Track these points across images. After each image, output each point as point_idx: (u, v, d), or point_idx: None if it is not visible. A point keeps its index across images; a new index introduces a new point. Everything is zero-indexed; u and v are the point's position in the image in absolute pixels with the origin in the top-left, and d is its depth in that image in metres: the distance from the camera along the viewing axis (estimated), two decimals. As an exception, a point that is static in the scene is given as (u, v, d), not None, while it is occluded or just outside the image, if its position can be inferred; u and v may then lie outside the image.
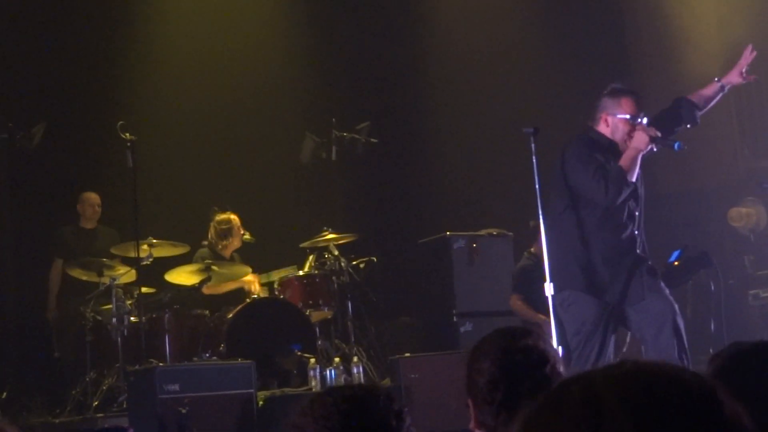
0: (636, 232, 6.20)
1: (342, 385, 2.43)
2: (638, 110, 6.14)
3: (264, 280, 9.23)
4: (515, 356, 2.64)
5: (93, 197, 9.44)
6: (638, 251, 6.20)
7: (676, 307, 6.21)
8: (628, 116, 6.10)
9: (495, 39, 11.05)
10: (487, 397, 2.62)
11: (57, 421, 7.81)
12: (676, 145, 6.12)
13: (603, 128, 6.16)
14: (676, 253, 7.70)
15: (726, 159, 10.72)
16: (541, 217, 5.89)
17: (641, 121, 6.09)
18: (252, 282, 9.10)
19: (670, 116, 6.45)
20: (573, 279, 5.96)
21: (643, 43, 11.13)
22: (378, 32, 11.24)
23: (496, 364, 2.63)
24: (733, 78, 6.39)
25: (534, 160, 5.96)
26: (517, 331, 2.78)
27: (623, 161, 6.04)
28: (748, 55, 6.38)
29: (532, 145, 5.99)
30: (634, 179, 6.06)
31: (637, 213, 6.23)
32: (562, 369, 2.67)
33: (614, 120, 6.14)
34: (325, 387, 7.71)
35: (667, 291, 6.23)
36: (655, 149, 6.09)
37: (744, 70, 6.37)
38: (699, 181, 9.06)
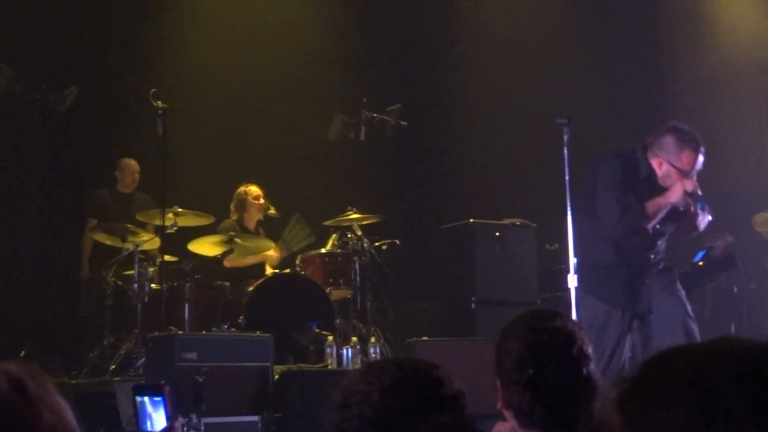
0: (658, 243, 6.17)
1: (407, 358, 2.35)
2: (694, 167, 5.98)
3: (284, 252, 9.25)
4: (542, 336, 2.64)
5: (133, 164, 9.52)
6: (653, 257, 6.17)
7: (689, 308, 6.19)
8: (683, 171, 5.97)
9: (530, 28, 11.04)
10: (513, 377, 2.62)
11: (73, 382, 7.84)
12: (699, 206, 6.05)
13: (654, 163, 6.03)
14: (701, 253, 7.70)
15: (753, 164, 10.68)
16: (569, 209, 5.88)
17: (691, 176, 5.97)
18: (271, 257, 9.14)
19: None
20: (585, 282, 5.96)
21: (675, 34, 11.07)
22: (415, 17, 11.24)
23: (523, 344, 2.64)
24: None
25: (565, 152, 5.94)
26: (545, 313, 2.78)
27: (651, 206, 5.98)
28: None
29: (565, 137, 5.97)
30: (650, 226, 6.01)
31: (660, 227, 6.17)
32: (590, 350, 2.67)
33: (668, 167, 5.99)
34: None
35: (681, 293, 6.21)
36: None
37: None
38: (725, 185, 9.01)
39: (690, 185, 5.95)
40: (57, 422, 1.47)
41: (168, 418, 2.78)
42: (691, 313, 6.19)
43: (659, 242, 6.19)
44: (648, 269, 6.15)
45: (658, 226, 6.11)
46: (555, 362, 2.61)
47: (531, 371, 2.60)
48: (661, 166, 6.03)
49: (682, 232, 6.33)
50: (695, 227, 6.19)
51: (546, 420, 2.57)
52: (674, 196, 5.97)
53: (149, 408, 2.81)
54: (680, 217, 6.17)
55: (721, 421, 1.12)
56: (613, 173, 5.99)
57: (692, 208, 6.06)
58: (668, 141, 6.00)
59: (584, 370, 2.61)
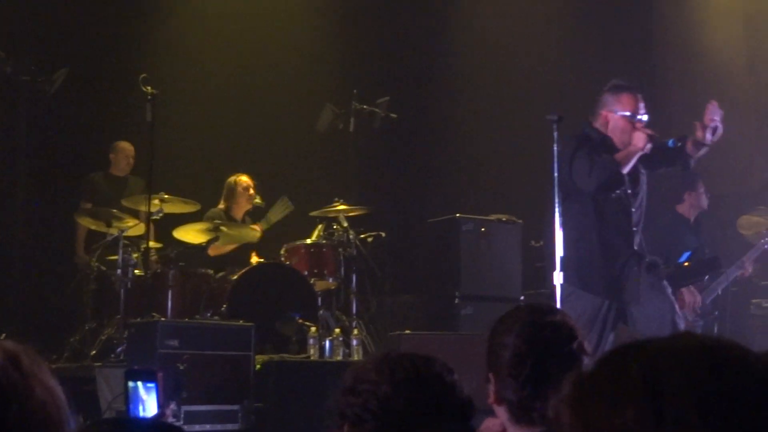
0: (634, 229, 6.22)
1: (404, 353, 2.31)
2: (638, 108, 6.14)
3: (265, 226, 9.21)
4: (544, 331, 2.61)
5: (128, 147, 9.48)
6: (635, 248, 6.22)
7: (677, 306, 6.23)
8: (628, 113, 6.10)
9: (522, 23, 11.03)
10: (512, 372, 2.58)
11: (53, 366, 7.79)
12: (670, 142, 6.18)
13: (601, 125, 6.19)
14: (686, 254, 7.72)
15: (740, 167, 10.70)
16: (556, 206, 5.87)
17: (641, 120, 6.10)
18: (254, 235, 9.09)
19: (667, 151, 6.33)
20: (571, 274, 5.97)
21: (666, 33, 11.08)
22: (407, 10, 11.22)
23: (522, 338, 2.60)
24: (698, 134, 6.08)
25: (555, 148, 5.93)
26: (544, 307, 2.76)
27: (619, 156, 6.09)
28: (710, 112, 6.03)
29: (555, 133, 5.96)
30: (624, 170, 6.10)
31: (634, 210, 6.24)
32: (587, 346, 2.66)
33: (613, 117, 6.16)
34: (323, 356, 7.74)
35: (668, 290, 6.25)
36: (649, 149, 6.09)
37: (707, 125, 6.03)
38: (711, 187, 9.03)
39: (644, 134, 6.04)
40: (48, 399, 1.49)
41: (159, 405, 2.77)
42: (679, 312, 6.22)
43: (634, 229, 6.21)
44: (632, 259, 6.17)
45: (629, 190, 6.21)
46: (556, 357, 2.58)
47: (531, 366, 2.56)
48: (607, 122, 6.19)
49: (667, 164, 6.39)
50: (684, 157, 6.24)
51: (543, 415, 2.53)
52: (637, 141, 6.06)
53: (142, 393, 2.80)
54: (659, 158, 6.27)
55: (671, 425, 1.09)
56: (571, 146, 6.07)
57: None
58: (605, 96, 6.21)
59: (583, 366, 2.58)
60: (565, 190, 5.95)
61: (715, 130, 6.02)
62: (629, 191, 6.25)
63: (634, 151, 6.09)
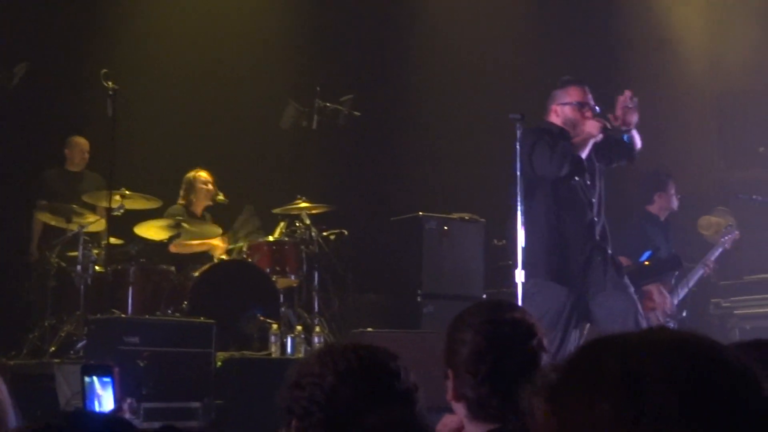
0: (595, 219, 6.31)
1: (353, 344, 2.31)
2: (586, 98, 6.33)
3: (231, 245, 9.20)
4: (503, 328, 2.59)
5: (83, 142, 9.42)
6: (597, 238, 6.30)
7: (639, 306, 6.29)
8: (575, 102, 6.25)
9: (486, 22, 11.04)
10: (470, 368, 2.56)
11: (12, 363, 7.76)
12: (625, 137, 6.36)
13: (553, 118, 6.36)
14: (647, 254, 7.77)
15: (701, 168, 10.79)
16: (519, 203, 5.90)
17: (593, 109, 6.27)
18: (218, 247, 9.07)
19: (621, 144, 6.52)
20: (537, 266, 6.01)
21: (630, 32, 11.14)
22: (370, 7, 11.21)
23: (481, 334, 2.58)
24: (615, 123, 6.34)
25: (517, 147, 5.97)
26: (503, 304, 2.75)
27: (575, 142, 6.23)
28: (622, 102, 6.32)
29: (518, 132, 6.00)
30: (583, 156, 6.24)
31: (594, 200, 6.33)
32: (546, 343, 2.64)
33: (563, 109, 6.36)
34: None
35: (631, 289, 6.31)
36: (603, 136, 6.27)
37: (618, 114, 6.31)
38: (672, 188, 9.11)
39: (597, 122, 6.22)
40: None
41: (116, 400, 2.74)
42: (641, 311, 6.28)
43: (595, 219, 6.32)
44: (595, 249, 6.24)
45: (588, 181, 6.35)
46: (515, 354, 2.56)
47: (490, 363, 2.55)
48: (558, 114, 6.37)
49: (619, 155, 6.57)
50: (632, 151, 6.49)
51: (501, 412, 2.52)
52: (590, 128, 6.22)
53: (98, 388, 2.77)
54: (609, 149, 6.47)
55: (651, 419, 1.08)
56: (531, 138, 6.17)
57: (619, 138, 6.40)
58: (554, 92, 6.44)
59: (541, 363, 2.58)
60: (527, 185, 6.00)
61: (627, 111, 6.28)
62: (588, 182, 6.34)
63: (587, 138, 6.24)
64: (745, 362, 1.14)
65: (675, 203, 8.66)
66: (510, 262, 6.30)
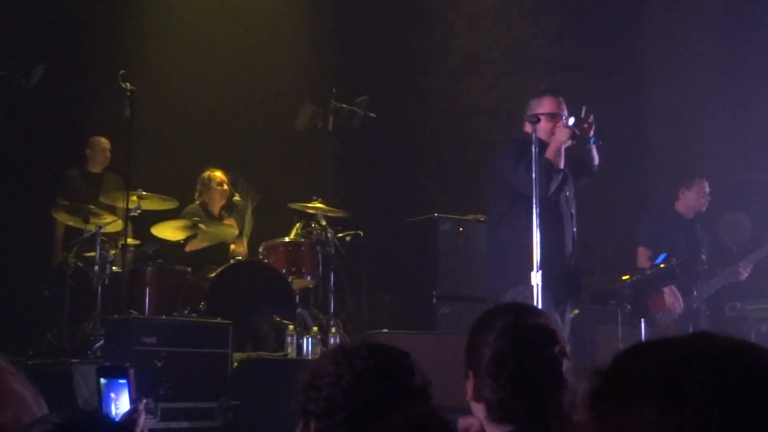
0: (574, 230, 6.43)
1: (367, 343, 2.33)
2: (559, 108, 6.48)
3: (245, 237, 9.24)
4: (526, 333, 2.58)
5: (104, 142, 9.43)
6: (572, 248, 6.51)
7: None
8: (547, 114, 6.40)
9: (504, 24, 11.02)
10: (492, 371, 2.56)
11: (30, 362, 7.79)
12: (591, 140, 6.52)
13: (528, 128, 6.36)
14: (662, 256, 7.74)
15: (716, 169, 10.75)
16: (534, 206, 5.92)
17: (564, 119, 6.41)
18: (235, 251, 9.11)
19: (590, 154, 6.72)
20: (525, 273, 6.04)
21: (645, 34, 11.13)
22: (388, 8, 11.21)
23: (504, 338, 2.57)
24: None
25: (534, 149, 5.98)
26: (527, 309, 2.75)
27: (548, 153, 6.33)
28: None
29: (534, 135, 6.02)
30: (561, 167, 6.38)
31: (573, 211, 6.53)
32: (568, 349, 2.64)
33: (541, 121, 6.36)
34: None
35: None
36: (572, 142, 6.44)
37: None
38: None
39: (566, 129, 6.40)
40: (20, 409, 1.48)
41: (132, 401, 2.75)
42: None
43: (574, 229, 6.51)
44: (574, 258, 6.45)
45: (568, 192, 6.56)
46: (537, 360, 2.55)
47: (512, 367, 2.54)
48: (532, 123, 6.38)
49: (581, 172, 6.73)
50: (591, 161, 6.68)
51: (522, 416, 2.52)
52: (559, 135, 6.38)
53: (113, 390, 2.77)
54: (577, 159, 6.61)
55: (695, 427, 1.06)
56: (508, 154, 6.44)
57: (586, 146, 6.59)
58: (529, 102, 6.59)
59: (563, 369, 2.57)
60: (509, 198, 6.20)
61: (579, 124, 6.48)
62: (568, 193, 6.54)
63: (557, 145, 6.38)
64: None
65: (700, 202, 8.62)
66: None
